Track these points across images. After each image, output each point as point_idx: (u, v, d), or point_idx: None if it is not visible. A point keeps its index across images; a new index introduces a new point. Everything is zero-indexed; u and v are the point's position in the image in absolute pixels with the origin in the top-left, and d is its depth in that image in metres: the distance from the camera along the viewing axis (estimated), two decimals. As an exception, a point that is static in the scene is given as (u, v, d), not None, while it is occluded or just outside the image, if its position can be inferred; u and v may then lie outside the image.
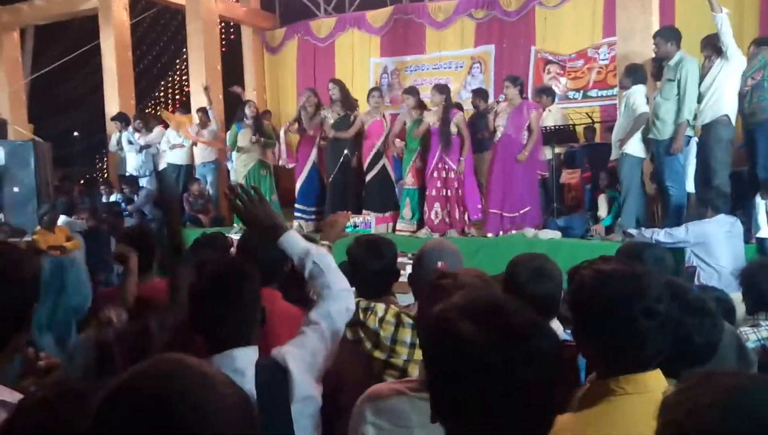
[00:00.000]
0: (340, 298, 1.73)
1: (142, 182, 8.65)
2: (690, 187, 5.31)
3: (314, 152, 7.06)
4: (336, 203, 6.67)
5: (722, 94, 4.92)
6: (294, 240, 1.82)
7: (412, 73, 9.95)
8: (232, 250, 2.52)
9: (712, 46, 5.04)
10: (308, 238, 2.85)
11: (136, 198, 8.31)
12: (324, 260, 1.78)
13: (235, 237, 6.13)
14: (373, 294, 2.26)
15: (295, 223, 7.03)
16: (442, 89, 6.20)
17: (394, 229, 6.52)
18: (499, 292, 1.78)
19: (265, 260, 2.13)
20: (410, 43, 10.02)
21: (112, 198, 8.52)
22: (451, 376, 0.92)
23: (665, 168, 5.12)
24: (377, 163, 6.63)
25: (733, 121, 5.02)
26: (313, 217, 7.09)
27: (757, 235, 4.72)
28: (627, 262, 1.38)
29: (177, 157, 8.40)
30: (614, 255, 2.42)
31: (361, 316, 2.07)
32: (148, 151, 8.73)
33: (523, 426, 0.88)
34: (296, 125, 7.14)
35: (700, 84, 5.02)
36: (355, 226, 6.09)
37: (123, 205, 8.20)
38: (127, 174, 8.77)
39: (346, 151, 6.70)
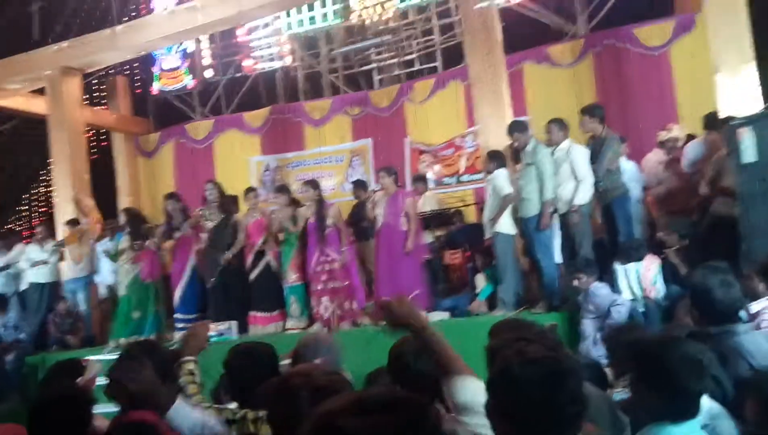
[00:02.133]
0: None
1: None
2: (558, 258, 5.70)
3: (192, 257, 6.81)
4: (219, 307, 6.43)
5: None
6: (185, 413, 1.76)
7: (294, 169, 10.11)
8: (88, 375, 2.30)
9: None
10: (177, 351, 2.70)
11: None
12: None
13: (107, 357, 5.66)
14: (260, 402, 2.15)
15: (177, 334, 6.62)
16: (315, 184, 6.37)
17: (284, 329, 6.33)
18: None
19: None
20: (290, 140, 10.25)
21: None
22: None
23: (535, 242, 5.47)
24: (260, 262, 6.51)
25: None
26: (195, 325, 6.71)
27: (620, 299, 5.10)
28: (550, 347, 1.42)
29: (40, 276, 7.70)
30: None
31: (251, 427, 1.98)
32: (8, 272, 7.96)
33: None
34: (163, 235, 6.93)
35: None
36: (220, 334, 5.84)
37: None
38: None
39: (225, 253, 6.54)
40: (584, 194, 5.30)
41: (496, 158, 5.76)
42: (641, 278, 5.08)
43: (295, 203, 6.51)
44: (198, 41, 10.83)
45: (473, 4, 6.67)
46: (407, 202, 5.94)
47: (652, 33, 8.11)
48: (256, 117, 10.58)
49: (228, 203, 6.80)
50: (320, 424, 0.94)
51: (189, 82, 11.00)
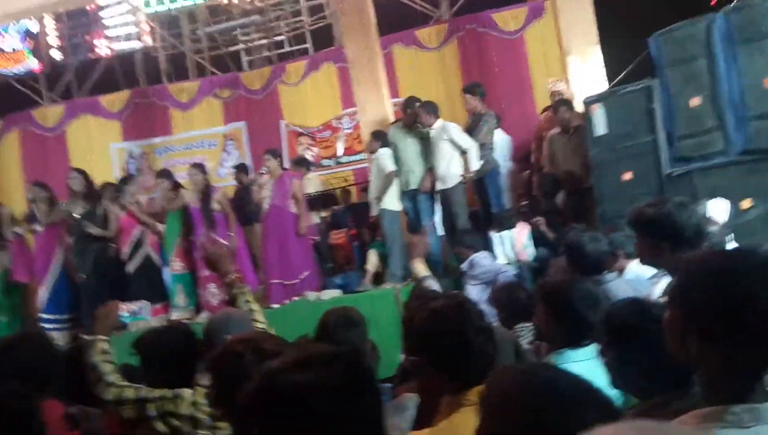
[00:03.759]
0: None
1: None
2: (440, 230, 6.06)
3: (59, 252, 6.30)
4: (94, 304, 5.98)
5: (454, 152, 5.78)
6: None
7: (162, 156, 9.61)
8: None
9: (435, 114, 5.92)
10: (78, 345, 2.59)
11: None
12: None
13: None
14: (178, 381, 2.14)
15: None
16: (203, 168, 6.23)
17: (169, 321, 6.09)
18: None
19: (31, 369, 1.98)
20: (155, 125, 9.71)
21: None
22: (295, 426, 0.94)
23: (423, 216, 5.78)
24: (138, 253, 6.19)
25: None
26: (67, 325, 6.23)
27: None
28: (449, 295, 1.60)
29: None
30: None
31: (171, 406, 2.00)
32: None
33: None
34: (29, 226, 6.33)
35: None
36: (134, 314, 5.57)
37: None
38: None
39: (96, 245, 6.14)
40: (475, 161, 5.65)
41: (379, 137, 5.95)
42: (514, 244, 5.57)
43: (178, 187, 6.28)
44: (42, 20, 9.82)
45: (345, -15, 6.78)
46: (294, 184, 5.94)
47: (508, 18, 8.73)
48: (114, 101, 9.87)
49: (95, 192, 6.37)
50: (263, 383, 0.99)
51: (33, 64, 9.97)
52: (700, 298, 1.06)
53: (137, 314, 5.64)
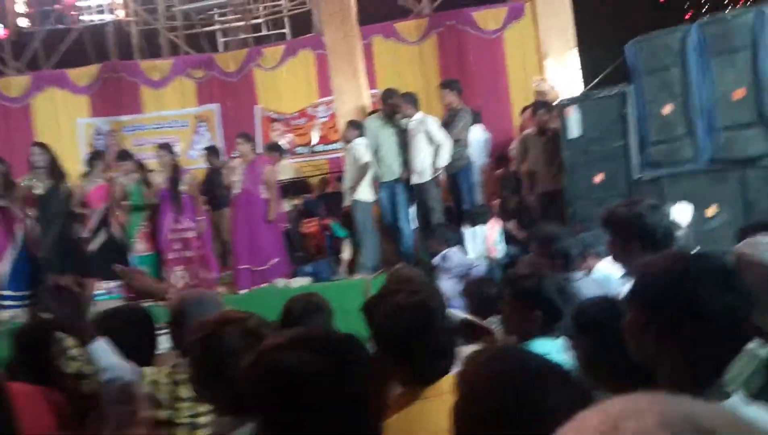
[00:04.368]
0: None
1: None
2: (413, 224, 6.08)
3: (19, 229, 6.09)
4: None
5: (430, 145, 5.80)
6: (105, 351, 1.78)
7: (131, 134, 9.36)
8: None
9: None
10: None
11: None
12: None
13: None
14: (139, 361, 2.08)
15: (5, 313, 5.90)
16: (169, 149, 6.12)
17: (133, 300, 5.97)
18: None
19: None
20: (125, 102, 9.45)
21: None
22: (292, 405, 0.95)
23: (399, 208, 5.78)
24: (102, 232, 6.05)
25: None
26: (27, 302, 6.05)
27: (468, 258, 5.61)
28: (413, 291, 1.58)
29: None
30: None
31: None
32: None
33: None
34: None
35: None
36: (109, 292, 5.46)
37: None
38: None
39: (59, 221, 5.96)
40: (445, 157, 5.67)
41: (355, 127, 5.92)
42: (485, 240, 5.63)
43: (141, 169, 6.13)
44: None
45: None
46: (266, 169, 5.88)
47: (487, 17, 8.75)
48: (83, 74, 9.56)
49: (58, 168, 6.18)
50: (261, 360, 1.01)
51: (-1, 30, 9.60)
52: (655, 297, 1.09)
53: (112, 293, 5.52)
